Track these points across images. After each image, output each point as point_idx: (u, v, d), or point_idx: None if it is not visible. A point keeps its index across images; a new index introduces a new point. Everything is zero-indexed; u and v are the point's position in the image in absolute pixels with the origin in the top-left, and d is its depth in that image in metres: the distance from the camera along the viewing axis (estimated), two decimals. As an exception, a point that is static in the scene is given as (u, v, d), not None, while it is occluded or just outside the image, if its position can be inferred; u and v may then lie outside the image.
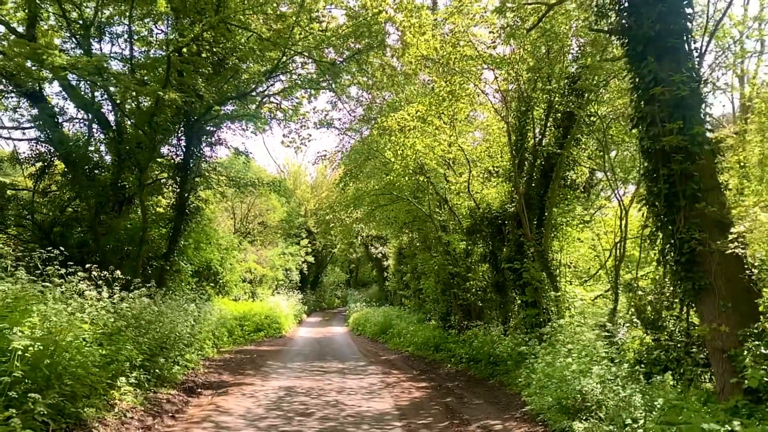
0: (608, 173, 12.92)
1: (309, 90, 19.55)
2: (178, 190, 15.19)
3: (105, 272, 9.02)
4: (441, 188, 18.74)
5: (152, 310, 10.30)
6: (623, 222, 11.42)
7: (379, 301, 38.72)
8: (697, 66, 6.97)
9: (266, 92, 19.73)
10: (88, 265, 8.86)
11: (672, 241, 6.77)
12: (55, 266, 7.85)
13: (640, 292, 8.35)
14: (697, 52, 7.15)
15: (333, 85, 16.29)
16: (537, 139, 13.97)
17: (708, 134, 6.82)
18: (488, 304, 17.12)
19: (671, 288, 7.65)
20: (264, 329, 24.10)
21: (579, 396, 7.33)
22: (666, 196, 6.70)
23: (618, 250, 11.38)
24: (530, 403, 8.95)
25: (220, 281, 23.70)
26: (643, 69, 6.89)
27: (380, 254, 39.49)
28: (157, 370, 9.89)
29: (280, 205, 36.78)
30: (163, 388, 9.90)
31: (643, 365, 8.00)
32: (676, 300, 7.65)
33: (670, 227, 6.81)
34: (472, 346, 14.74)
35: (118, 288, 9.51)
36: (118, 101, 13.48)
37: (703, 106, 6.96)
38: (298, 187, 45.68)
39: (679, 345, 7.63)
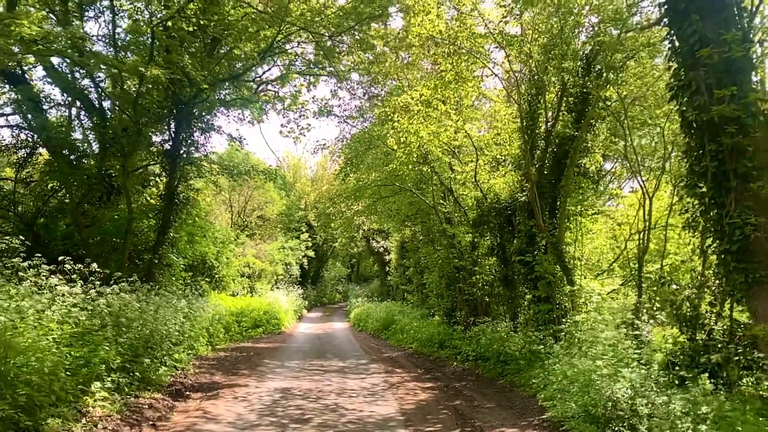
0: (629, 158, 12.02)
1: (308, 77, 18.70)
2: (167, 178, 14.28)
3: (80, 265, 8.17)
4: (446, 178, 17.86)
5: (135, 306, 9.44)
6: (647, 210, 10.53)
7: (381, 296, 37.89)
8: (747, 26, 6.06)
9: (262, 78, 18.86)
10: (60, 258, 8.01)
11: (720, 227, 5.90)
12: (18, 258, 6.98)
13: (674, 286, 7.45)
14: (746, 12, 6.24)
15: (332, 68, 15.38)
16: (549, 123, 13.10)
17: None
18: (495, 299, 16.33)
19: (716, 281, 6.77)
20: (262, 325, 23.30)
21: (610, 403, 6.47)
22: (714, 175, 5.83)
23: (642, 241, 10.49)
24: (550, 408, 8.10)
25: (216, 276, 22.86)
26: (686, 29, 5.99)
27: (382, 248, 38.67)
28: (139, 373, 9.03)
29: (279, 198, 35.95)
30: (146, 392, 9.04)
31: (677, 368, 7.14)
32: (721, 295, 6.75)
33: (717, 211, 5.94)
34: (479, 344, 13.92)
35: (97, 283, 8.69)
36: (101, 82, 12.61)
37: (754, 73, 6.09)
38: (298, 180, 44.84)
39: (720, 345, 6.75)
